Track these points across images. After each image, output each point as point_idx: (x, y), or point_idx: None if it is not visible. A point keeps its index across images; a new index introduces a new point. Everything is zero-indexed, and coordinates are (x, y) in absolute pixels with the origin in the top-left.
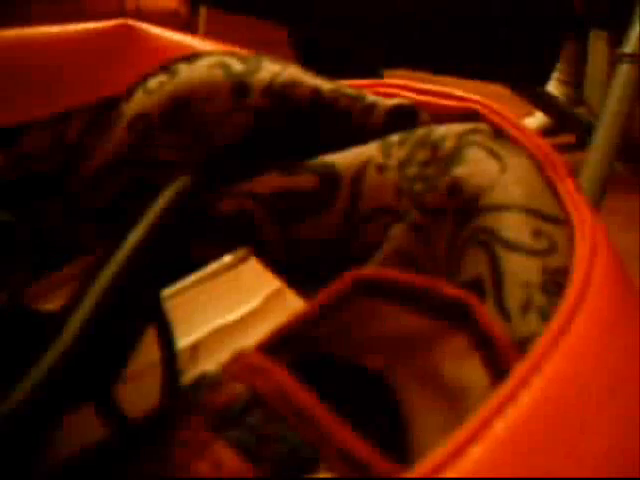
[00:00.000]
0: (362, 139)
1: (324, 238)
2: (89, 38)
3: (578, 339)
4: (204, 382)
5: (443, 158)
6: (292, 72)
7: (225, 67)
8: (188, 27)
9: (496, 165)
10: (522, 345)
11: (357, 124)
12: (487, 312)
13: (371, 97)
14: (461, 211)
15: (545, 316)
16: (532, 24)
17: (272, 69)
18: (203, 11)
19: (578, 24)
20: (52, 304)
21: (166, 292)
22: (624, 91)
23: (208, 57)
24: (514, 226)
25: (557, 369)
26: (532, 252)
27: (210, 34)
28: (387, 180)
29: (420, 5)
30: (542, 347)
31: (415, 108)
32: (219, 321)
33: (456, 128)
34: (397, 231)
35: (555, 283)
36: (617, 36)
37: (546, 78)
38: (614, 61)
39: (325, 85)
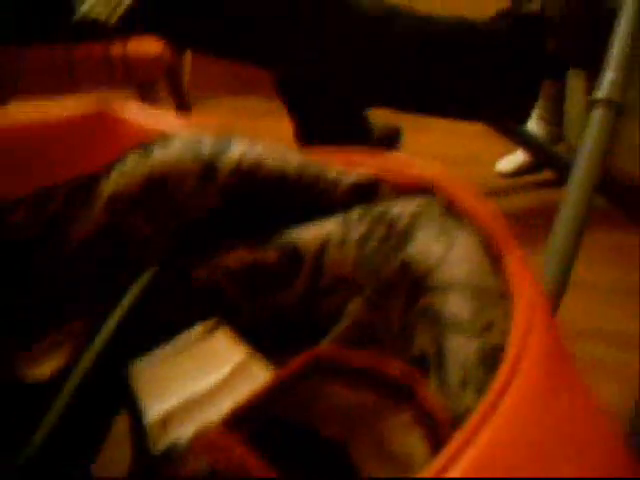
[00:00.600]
0: (326, 213)
1: (289, 308)
2: (69, 126)
3: (508, 413)
4: (173, 453)
5: (397, 236)
6: (259, 151)
7: (195, 150)
8: (173, 70)
9: (444, 244)
10: (460, 419)
11: (321, 200)
12: (428, 389)
13: (334, 172)
14: (411, 288)
15: (481, 392)
16: (512, 65)
17: (240, 149)
18: (188, 55)
19: (555, 64)
20: (40, 370)
21: (140, 363)
22: (598, 136)
23: (180, 139)
24: (456, 305)
25: (488, 441)
26: (472, 330)
27: (195, 75)
28: (347, 255)
29: (403, 47)
30: (474, 421)
31: (376, 182)
32: (189, 391)
33: (410, 207)
34: (355, 305)
35: (492, 360)
36: (595, 74)
37: (526, 117)
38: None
39: (290, 163)
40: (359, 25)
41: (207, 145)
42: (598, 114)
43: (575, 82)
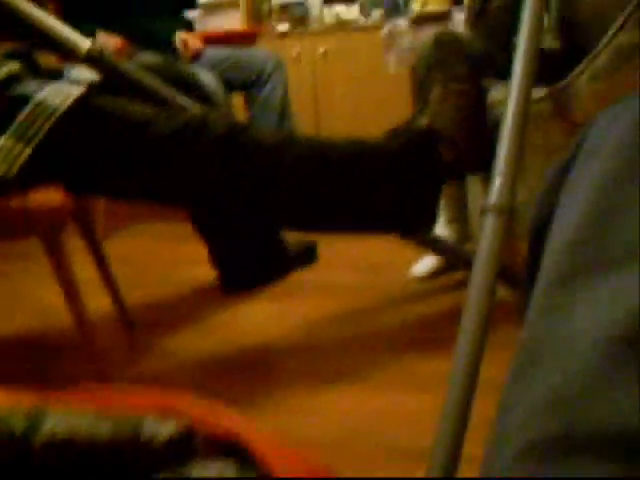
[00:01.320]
0: (143, 470)
1: None
2: None
3: None
4: None
5: None
6: (72, 422)
7: (7, 427)
8: (82, 213)
9: None
10: None
11: (138, 458)
12: None
13: (151, 423)
14: None
15: None
16: (408, 178)
17: (52, 422)
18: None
19: (452, 172)
20: None
21: None
22: (492, 241)
23: None
24: None
25: None
26: None
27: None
28: None
29: (302, 171)
30: None
31: (189, 436)
32: None
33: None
34: None
35: None
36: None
37: (430, 223)
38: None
39: (102, 429)
40: (258, 152)
41: (19, 422)
42: (490, 220)
43: (474, 182)
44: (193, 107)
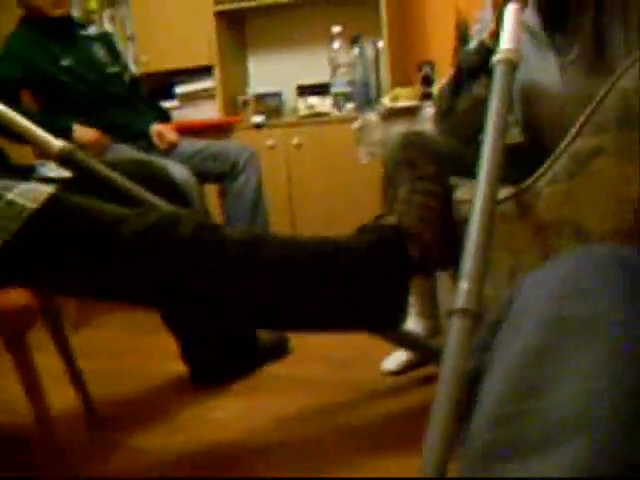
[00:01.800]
0: None
1: None
2: None
3: None
4: None
5: None
6: None
7: None
8: (50, 312)
9: None
10: None
11: None
12: None
13: None
14: None
15: None
16: (377, 275)
17: None
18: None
19: (420, 268)
20: None
21: None
22: (458, 344)
23: None
24: None
25: None
26: None
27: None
28: None
29: (271, 269)
30: None
31: None
32: None
33: None
34: None
35: None
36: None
37: (400, 319)
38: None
39: None
40: (228, 252)
41: None
42: (456, 323)
43: (444, 277)
44: (164, 206)
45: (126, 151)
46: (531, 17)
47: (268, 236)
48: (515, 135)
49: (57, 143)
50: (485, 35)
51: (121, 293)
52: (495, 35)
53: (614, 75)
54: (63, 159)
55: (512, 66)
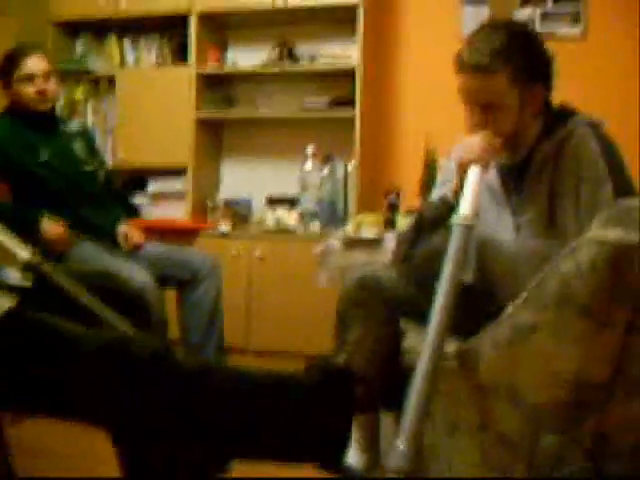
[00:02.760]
0: None
1: None
2: None
3: None
4: None
5: None
6: None
7: None
8: None
9: None
10: None
11: None
12: None
13: None
14: None
15: None
16: (321, 412)
17: None
18: None
19: (364, 406)
20: None
21: None
22: None
23: None
24: None
25: None
26: None
27: None
28: None
29: (218, 400)
30: None
31: None
32: None
33: None
34: None
35: None
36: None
37: (341, 456)
38: None
39: None
40: (177, 380)
41: None
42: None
43: (387, 414)
44: (121, 326)
45: (91, 250)
46: (493, 177)
47: (219, 366)
48: (469, 275)
49: (24, 254)
50: (447, 191)
51: (70, 412)
52: (457, 193)
53: (555, 260)
54: (29, 269)
55: (469, 230)
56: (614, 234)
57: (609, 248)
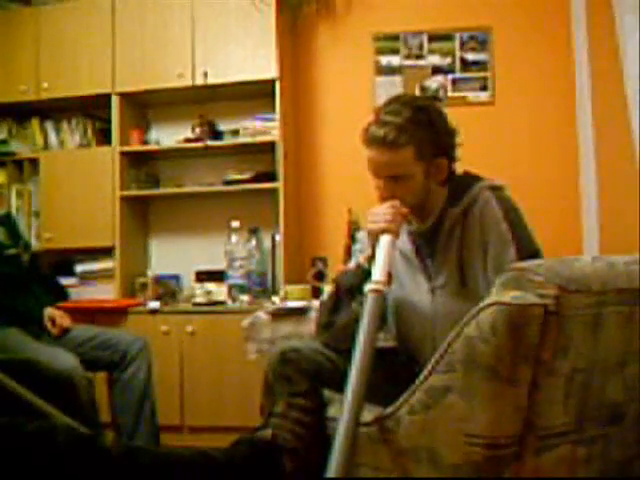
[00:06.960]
0: None
1: None
2: None
3: None
4: None
5: None
6: None
7: None
8: None
9: None
10: None
11: None
12: None
13: None
14: None
15: None
16: None
17: None
18: None
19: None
20: None
21: None
22: None
23: None
24: None
25: None
26: None
27: None
28: None
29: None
30: None
31: None
32: None
33: None
34: None
35: None
36: None
37: None
38: None
39: None
40: (102, 463)
41: None
42: None
43: None
44: (48, 409)
45: (15, 336)
46: (406, 243)
47: (147, 448)
48: (391, 341)
49: None
50: (362, 258)
51: None
52: (370, 259)
53: (461, 322)
54: None
55: (381, 296)
56: (511, 296)
57: (507, 311)
